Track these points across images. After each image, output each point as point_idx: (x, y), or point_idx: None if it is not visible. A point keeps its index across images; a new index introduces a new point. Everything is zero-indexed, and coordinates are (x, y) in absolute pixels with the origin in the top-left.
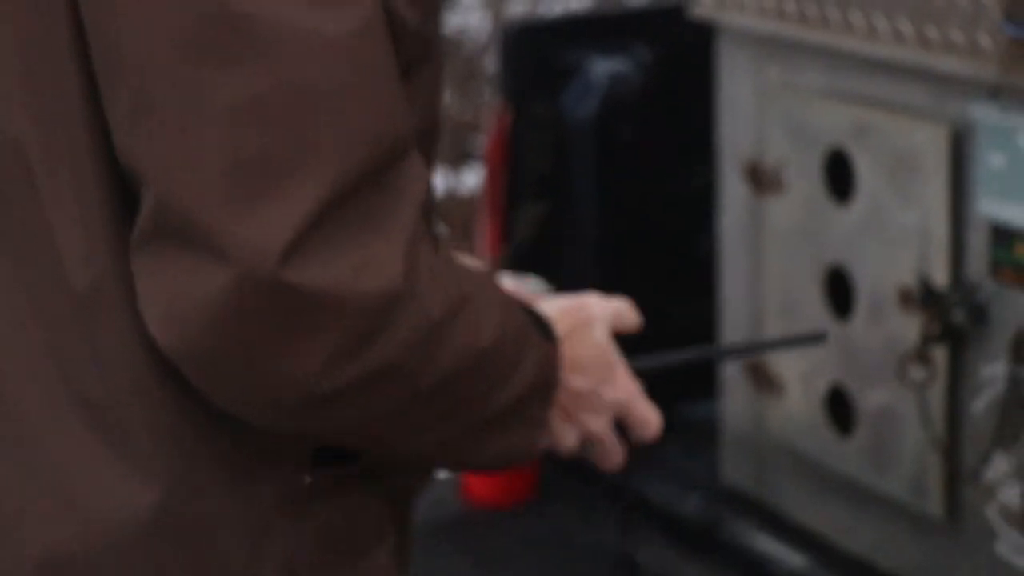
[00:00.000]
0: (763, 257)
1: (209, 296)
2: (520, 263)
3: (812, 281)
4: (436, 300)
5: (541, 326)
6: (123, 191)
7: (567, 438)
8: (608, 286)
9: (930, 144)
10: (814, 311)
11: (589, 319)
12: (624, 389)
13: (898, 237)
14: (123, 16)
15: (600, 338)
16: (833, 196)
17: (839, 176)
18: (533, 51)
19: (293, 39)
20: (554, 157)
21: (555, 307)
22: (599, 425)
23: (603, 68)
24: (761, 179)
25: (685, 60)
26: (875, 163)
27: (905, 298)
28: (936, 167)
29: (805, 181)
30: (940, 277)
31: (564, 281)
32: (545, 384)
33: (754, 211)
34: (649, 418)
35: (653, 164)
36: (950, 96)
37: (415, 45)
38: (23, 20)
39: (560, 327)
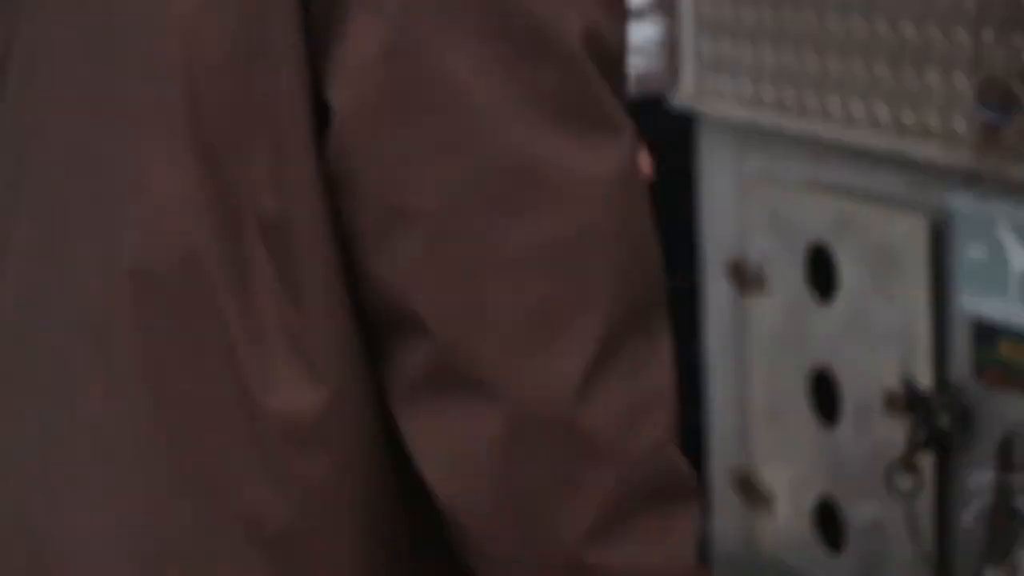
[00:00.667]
0: (748, 360)
1: (497, 444)
2: None
3: (798, 384)
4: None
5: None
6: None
7: None
8: None
9: (910, 236)
10: (800, 416)
11: None
12: None
13: (881, 337)
14: (402, 167)
15: None
16: (816, 294)
17: (822, 272)
18: None
19: (572, 183)
20: None
21: None
22: None
23: None
24: (745, 277)
25: (667, 150)
26: (857, 258)
27: (890, 402)
28: (916, 261)
29: (788, 279)
30: (925, 378)
31: None
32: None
33: (738, 312)
34: None
35: None
36: (928, 185)
37: None
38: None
39: None
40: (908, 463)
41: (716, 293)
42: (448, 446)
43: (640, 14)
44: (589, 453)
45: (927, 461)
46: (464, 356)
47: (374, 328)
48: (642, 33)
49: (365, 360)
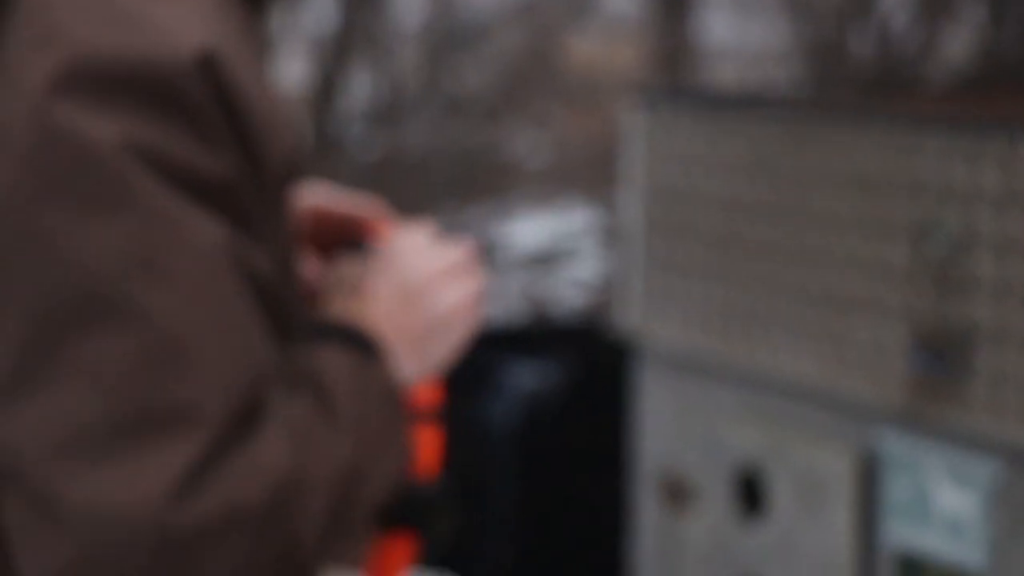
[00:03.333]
0: (678, 574)
1: (99, 563)
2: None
3: None
4: (302, 450)
5: (365, 344)
6: None
7: (442, 358)
8: None
9: (837, 470)
10: None
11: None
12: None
13: (807, 561)
14: None
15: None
16: (745, 514)
17: (752, 494)
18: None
19: (145, 298)
20: (473, 462)
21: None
22: (458, 325)
23: (522, 380)
24: (675, 495)
25: (603, 375)
26: (785, 484)
27: None
28: (844, 493)
29: (717, 501)
30: None
31: None
32: (393, 398)
33: (669, 526)
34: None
35: (574, 474)
36: (860, 423)
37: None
38: None
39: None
40: None
41: (645, 509)
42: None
43: (580, 251)
44: (202, 541)
45: None
46: (44, 473)
47: None
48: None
49: None
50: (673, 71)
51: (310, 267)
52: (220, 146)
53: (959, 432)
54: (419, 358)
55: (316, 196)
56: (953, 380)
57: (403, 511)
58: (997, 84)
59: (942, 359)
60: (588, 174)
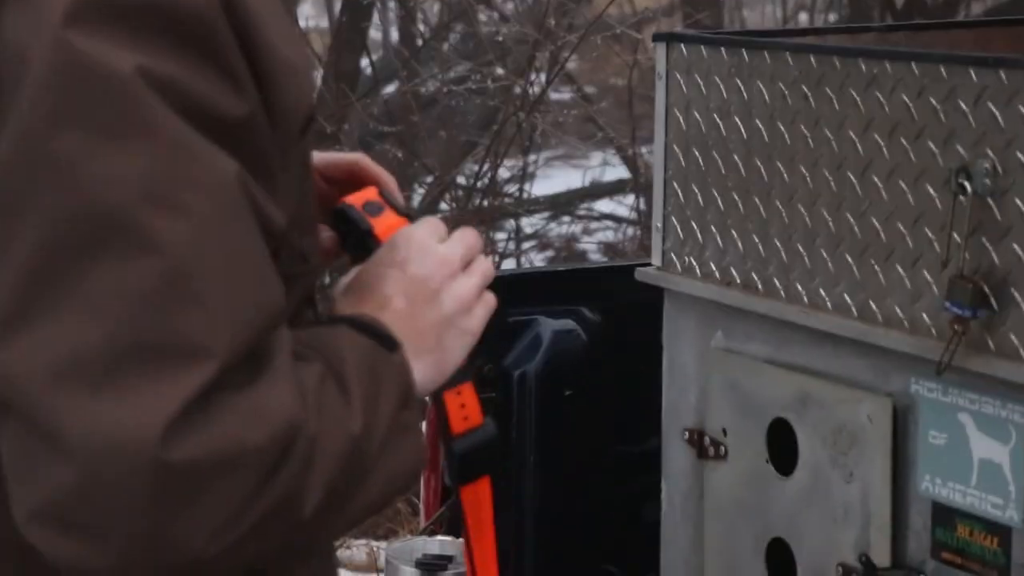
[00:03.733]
0: (705, 525)
1: (94, 492)
2: (457, 528)
3: (754, 553)
4: (311, 411)
5: (379, 335)
6: None
7: (457, 357)
8: (547, 554)
9: (872, 419)
10: None
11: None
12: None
13: (839, 512)
14: None
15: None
16: (776, 466)
17: (782, 446)
18: None
19: (158, 229)
20: (495, 416)
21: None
22: (469, 323)
23: (550, 325)
24: (704, 446)
25: (635, 320)
26: (817, 435)
27: (846, 575)
28: (878, 442)
29: (748, 450)
30: (882, 555)
31: (500, 545)
32: (404, 394)
33: (697, 478)
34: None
35: (600, 425)
36: (892, 371)
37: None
38: None
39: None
40: None
41: (675, 458)
42: (38, 492)
43: (616, 187)
44: (195, 477)
45: None
46: (50, 404)
47: None
48: (617, 204)
49: None
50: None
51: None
52: (238, 86)
53: (995, 380)
54: (434, 360)
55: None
56: (989, 327)
57: (473, 460)
58: None
59: (978, 306)
60: (615, 118)
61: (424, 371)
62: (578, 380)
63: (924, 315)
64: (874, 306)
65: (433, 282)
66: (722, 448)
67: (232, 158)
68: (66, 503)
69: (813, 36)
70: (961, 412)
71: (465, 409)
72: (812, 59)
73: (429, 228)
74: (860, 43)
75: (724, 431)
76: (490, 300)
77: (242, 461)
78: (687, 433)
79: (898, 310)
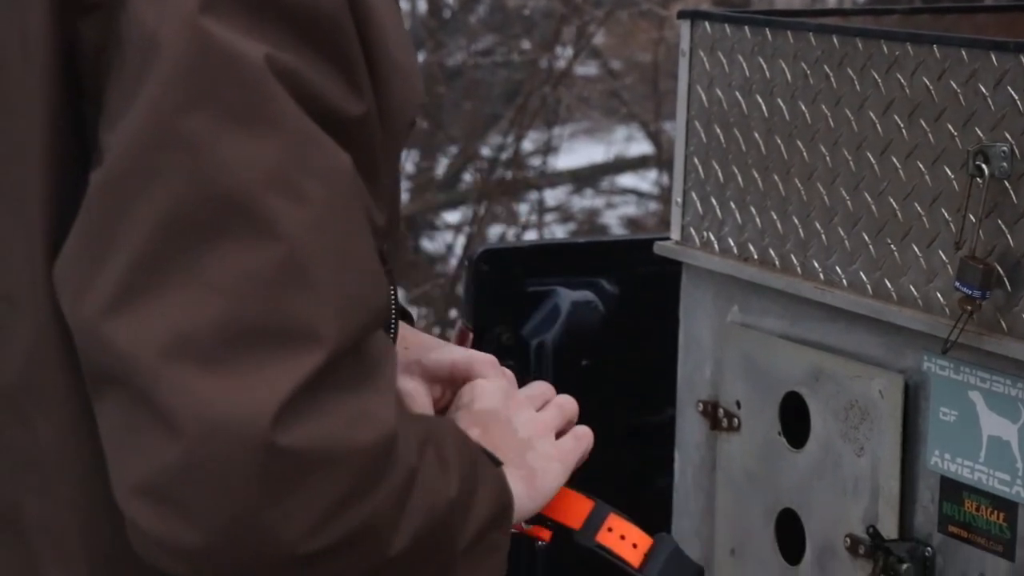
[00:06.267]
0: (717, 496)
1: (199, 470)
2: None
3: (764, 523)
4: (412, 446)
5: (483, 449)
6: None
7: (549, 485)
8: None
9: (884, 394)
10: (765, 553)
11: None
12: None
13: (849, 485)
14: (113, 194)
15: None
16: (788, 439)
17: (795, 419)
18: (498, 275)
19: (279, 216)
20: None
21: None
22: (551, 449)
23: (568, 296)
24: (717, 418)
25: (653, 293)
26: (829, 410)
27: (854, 547)
28: (889, 418)
29: (761, 423)
30: (889, 528)
31: None
32: (503, 508)
33: (710, 450)
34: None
35: (616, 396)
36: (905, 348)
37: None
38: None
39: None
40: None
41: (689, 429)
42: (144, 470)
43: (639, 162)
44: (302, 466)
45: None
46: (168, 381)
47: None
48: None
49: None
50: None
51: None
52: (357, 85)
53: (1007, 359)
54: (523, 476)
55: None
56: (1002, 307)
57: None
58: None
59: (988, 287)
60: (639, 93)
61: (517, 487)
62: (595, 351)
63: (938, 294)
64: (889, 284)
65: (501, 413)
66: (735, 420)
67: (346, 152)
68: (170, 479)
69: (837, 17)
70: (972, 390)
71: (628, 539)
72: (835, 40)
73: (498, 379)
74: (883, 25)
75: (738, 404)
76: (583, 433)
77: (346, 459)
78: (701, 405)
79: (912, 289)
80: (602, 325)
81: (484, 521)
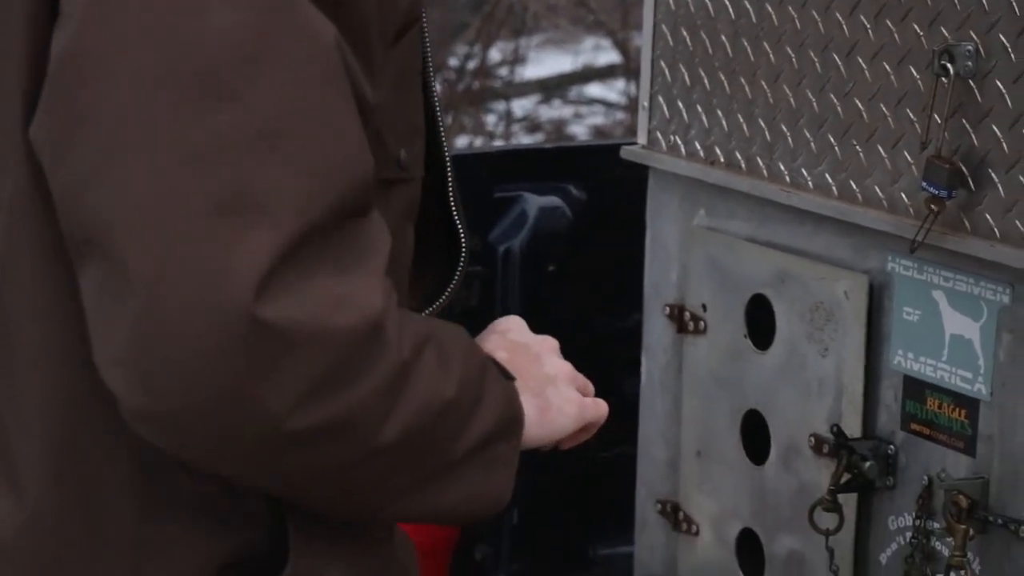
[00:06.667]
0: (683, 398)
1: (179, 339)
2: None
3: (730, 425)
4: (406, 341)
5: (497, 364)
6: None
7: (560, 424)
8: None
9: (849, 295)
10: (730, 454)
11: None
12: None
13: (814, 386)
14: (87, 67)
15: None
16: (753, 341)
17: (760, 322)
18: (465, 182)
19: (254, 84)
20: (480, 290)
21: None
22: (571, 394)
23: (535, 202)
24: (684, 321)
25: (619, 197)
26: (794, 311)
27: (818, 446)
28: (854, 318)
29: (727, 325)
30: (853, 427)
31: None
32: (510, 421)
33: (676, 353)
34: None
35: (582, 301)
36: (870, 249)
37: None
38: None
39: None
40: (831, 503)
41: (655, 332)
42: (127, 341)
43: (607, 72)
44: (284, 341)
45: (850, 503)
46: (143, 249)
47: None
48: (608, 88)
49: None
50: None
51: None
52: None
53: (970, 258)
54: (538, 406)
55: None
56: (965, 206)
57: None
58: None
59: (954, 186)
60: (607, 2)
61: (528, 410)
62: (562, 256)
63: (903, 195)
64: (854, 186)
65: (533, 348)
66: (702, 323)
67: (331, 22)
68: (151, 348)
69: None
70: (935, 289)
71: None
72: None
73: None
74: None
75: (704, 307)
76: (603, 404)
77: (330, 337)
78: (668, 308)
79: (878, 190)
80: (570, 230)
81: (488, 431)
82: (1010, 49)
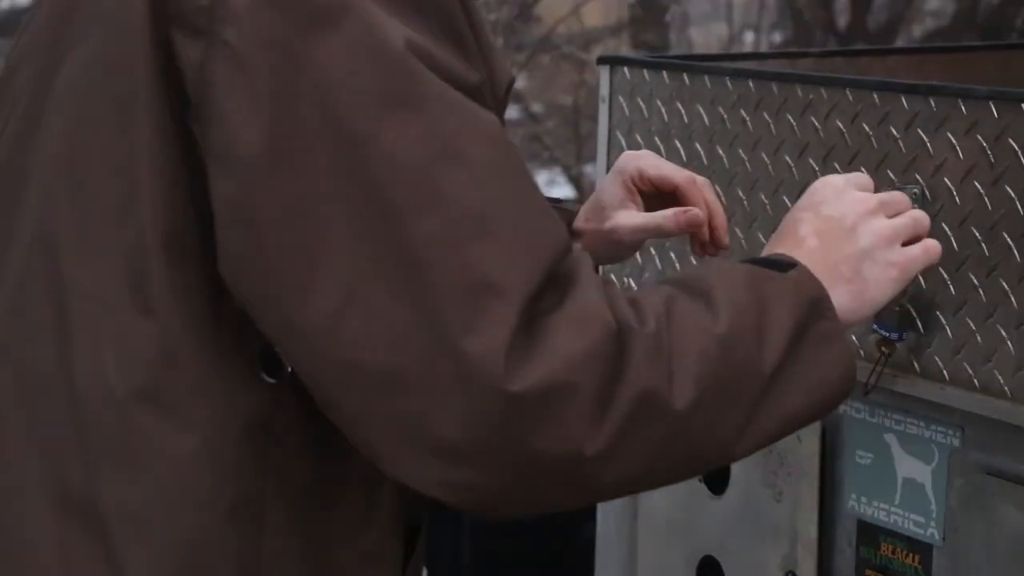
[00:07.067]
0: (639, 544)
1: (459, 430)
2: None
3: (686, 571)
4: (648, 317)
5: (768, 262)
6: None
7: (881, 294)
8: (481, 569)
9: (802, 439)
10: None
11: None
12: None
13: (769, 531)
14: (289, 197)
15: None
16: (709, 486)
17: (716, 470)
18: None
19: (455, 181)
20: None
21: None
22: (893, 256)
23: None
24: None
25: None
26: (749, 458)
27: None
28: (807, 463)
29: None
30: (808, 572)
31: (434, 560)
32: (810, 306)
33: (632, 498)
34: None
35: None
36: None
37: None
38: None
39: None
40: None
41: None
42: (410, 438)
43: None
44: (544, 401)
45: None
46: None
47: None
48: None
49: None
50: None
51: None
52: (471, 57)
53: (920, 401)
54: (852, 290)
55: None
56: (915, 349)
57: None
58: (971, 46)
59: (904, 328)
60: (561, 137)
61: (841, 299)
62: None
63: (853, 337)
64: None
65: (847, 220)
66: None
67: (488, 111)
68: (449, 440)
69: (753, 61)
70: (887, 432)
71: None
72: (751, 84)
73: (850, 177)
74: (798, 68)
75: None
76: (932, 245)
77: (576, 374)
78: None
79: None
80: None
81: (789, 328)
82: (955, 192)
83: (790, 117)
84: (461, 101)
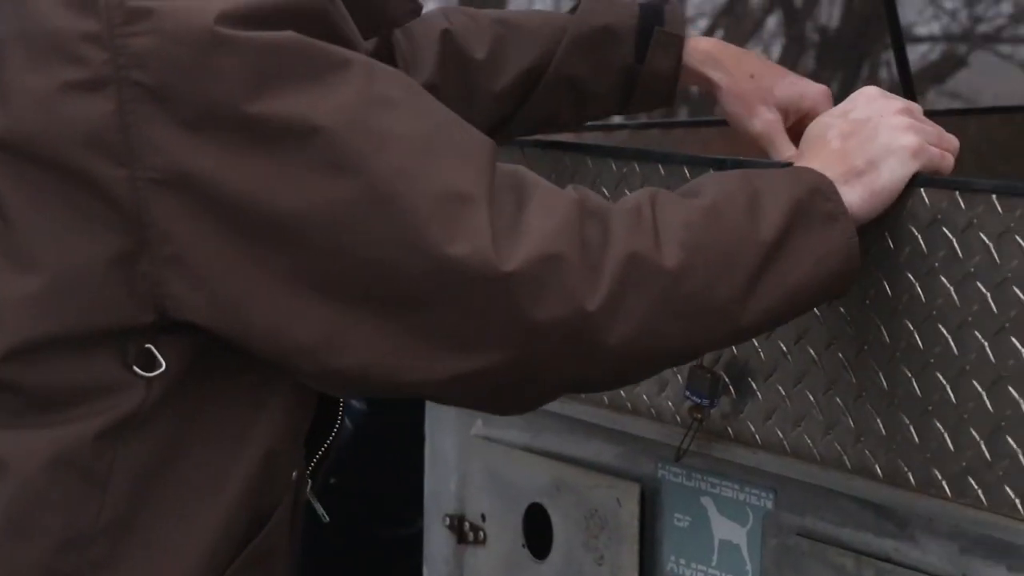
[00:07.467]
0: None
1: (468, 322)
2: None
3: None
4: (629, 200)
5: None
6: None
7: (892, 193)
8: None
9: (621, 502)
10: None
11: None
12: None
13: None
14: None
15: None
16: (532, 550)
17: (539, 530)
18: None
19: (390, 124)
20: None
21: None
22: (909, 167)
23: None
24: (464, 532)
25: (400, 411)
26: (570, 520)
27: None
28: (627, 525)
29: (505, 535)
30: None
31: None
32: (811, 189)
33: (458, 563)
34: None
35: (366, 511)
36: (640, 457)
37: None
38: None
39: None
40: None
41: (436, 543)
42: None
43: None
44: (537, 275)
45: None
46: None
47: None
48: None
49: None
50: None
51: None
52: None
53: (734, 465)
54: (864, 182)
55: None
56: (729, 415)
57: None
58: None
59: (716, 395)
60: None
61: (852, 195)
62: (342, 470)
63: (670, 403)
64: (624, 395)
65: (872, 121)
66: (481, 533)
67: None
68: (461, 335)
69: (570, 134)
70: (703, 496)
71: None
72: (565, 157)
73: (884, 91)
74: (614, 141)
75: (483, 516)
76: (951, 142)
77: (558, 244)
78: (448, 519)
79: (646, 399)
80: (352, 442)
81: (787, 204)
82: None
83: (604, 190)
84: (363, 59)
